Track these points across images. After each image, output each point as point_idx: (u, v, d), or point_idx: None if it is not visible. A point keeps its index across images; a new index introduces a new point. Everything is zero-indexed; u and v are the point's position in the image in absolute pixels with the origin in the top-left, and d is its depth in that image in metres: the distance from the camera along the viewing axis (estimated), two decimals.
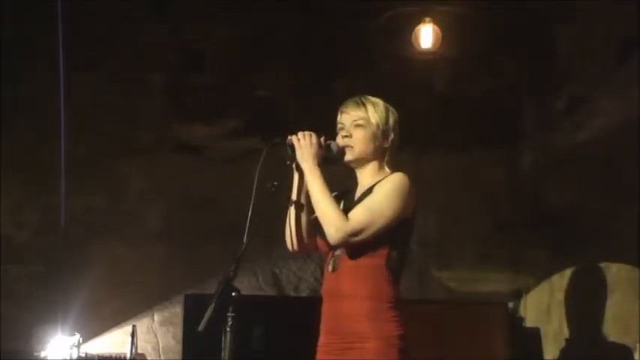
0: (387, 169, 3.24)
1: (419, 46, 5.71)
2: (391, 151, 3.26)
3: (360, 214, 3.06)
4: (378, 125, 3.22)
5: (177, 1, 5.74)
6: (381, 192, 3.10)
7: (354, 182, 3.31)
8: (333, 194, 3.33)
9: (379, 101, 3.27)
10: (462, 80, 5.89)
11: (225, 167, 5.67)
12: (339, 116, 3.29)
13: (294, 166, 3.23)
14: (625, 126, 5.25)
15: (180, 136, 5.77)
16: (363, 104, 3.23)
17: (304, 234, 3.27)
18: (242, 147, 5.62)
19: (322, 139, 3.21)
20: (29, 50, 5.53)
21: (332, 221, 3.05)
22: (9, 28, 5.43)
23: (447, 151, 5.84)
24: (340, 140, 3.25)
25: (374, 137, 3.22)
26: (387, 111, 3.25)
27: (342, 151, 3.24)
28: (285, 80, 5.83)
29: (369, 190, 3.16)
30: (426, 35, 5.70)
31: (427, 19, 5.69)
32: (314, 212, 3.26)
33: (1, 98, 5.48)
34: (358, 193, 3.23)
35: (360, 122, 3.22)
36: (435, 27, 5.69)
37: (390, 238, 3.12)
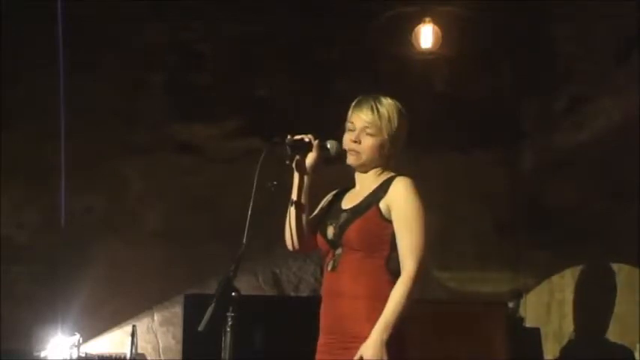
0: (389, 169, 3.23)
1: (419, 46, 5.72)
2: (396, 155, 3.24)
3: (408, 253, 3.10)
4: (389, 135, 3.18)
5: (177, 1, 5.75)
6: (407, 215, 3.12)
7: (351, 181, 3.30)
8: (333, 192, 3.34)
9: (392, 107, 3.19)
10: (462, 80, 5.89)
11: (225, 167, 5.67)
12: (350, 113, 3.23)
13: (293, 165, 3.22)
14: (625, 126, 5.25)
15: (181, 136, 5.78)
16: (378, 110, 3.17)
17: (304, 233, 3.26)
18: (242, 147, 5.62)
19: (317, 142, 3.20)
20: (29, 50, 5.53)
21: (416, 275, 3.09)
22: (9, 28, 5.43)
23: (447, 151, 5.84)
24: (348, 142, 3.22)
25: (382, 147, 3.19)
26: (398, 118, 3.19)
27: (340, 150, 3.22)
28: (285, 80, 5.83)
29: (374, 194, 3.15)
30: (426, 35, 5.70)
31: (427, 19, 5.69)
32: (313, 211, 3.27)
33: (1, 98, 5.48)
34: (362, 192, 3.22)
35: (370, 131, 3.17)
36: (435, 27, 5.69)
37: (391, 239, 3.13)
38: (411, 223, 3.12)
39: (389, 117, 3.18)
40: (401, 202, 3.12)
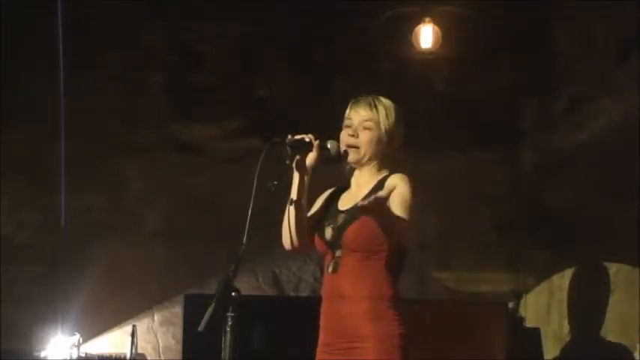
0: (386, 167, 3.24)
1: (419, 46, 5.71)
2: (393, 152, 3.26)
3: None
4: (386, 130, 3.21)
5: (177, 1, 5.75)
6: (403, 198, 3.10)
7: (348, 180, 3.30)
8: (328, 192, 3.33)
9: (390, 104, 3.25)
10: (462, 80, 5.89)
11: (225, 167, 5.67)
12: (348, 110, 3.26)
13: (293, 165, 3.22)
14: (625, 126, 5.26)
15: (181, 136, 5.78)
16: (376, 107, 3.22)
17: (303, 233, 3.26)
18: (242, 147, 5.62)
19: (317, 142, 3.20)
20: (29, 50, 5.53)
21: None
22: (9, 28, 5.43)
23: (447, 151, 5.84)
24: (345, 137, 3.23)
25: (380, 140, 3.22)
26: (395, 115, 3.24)
27: (341, 151, 3.22)
28: (285, 80, 5.83)
29: (372, 193, 3.15)
30: (426, 35, 5.70)
31: (427, 19, 5.69)
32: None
33: (1, 98, 5.48)
34: (358, 192, 3.22)
35: (368, 125, 3.20)
36: (435, 27, 5.69)
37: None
38: (405, 202, 3.07)
39: (386, 113, 3.22)
40: (399, 187, 3.09)
